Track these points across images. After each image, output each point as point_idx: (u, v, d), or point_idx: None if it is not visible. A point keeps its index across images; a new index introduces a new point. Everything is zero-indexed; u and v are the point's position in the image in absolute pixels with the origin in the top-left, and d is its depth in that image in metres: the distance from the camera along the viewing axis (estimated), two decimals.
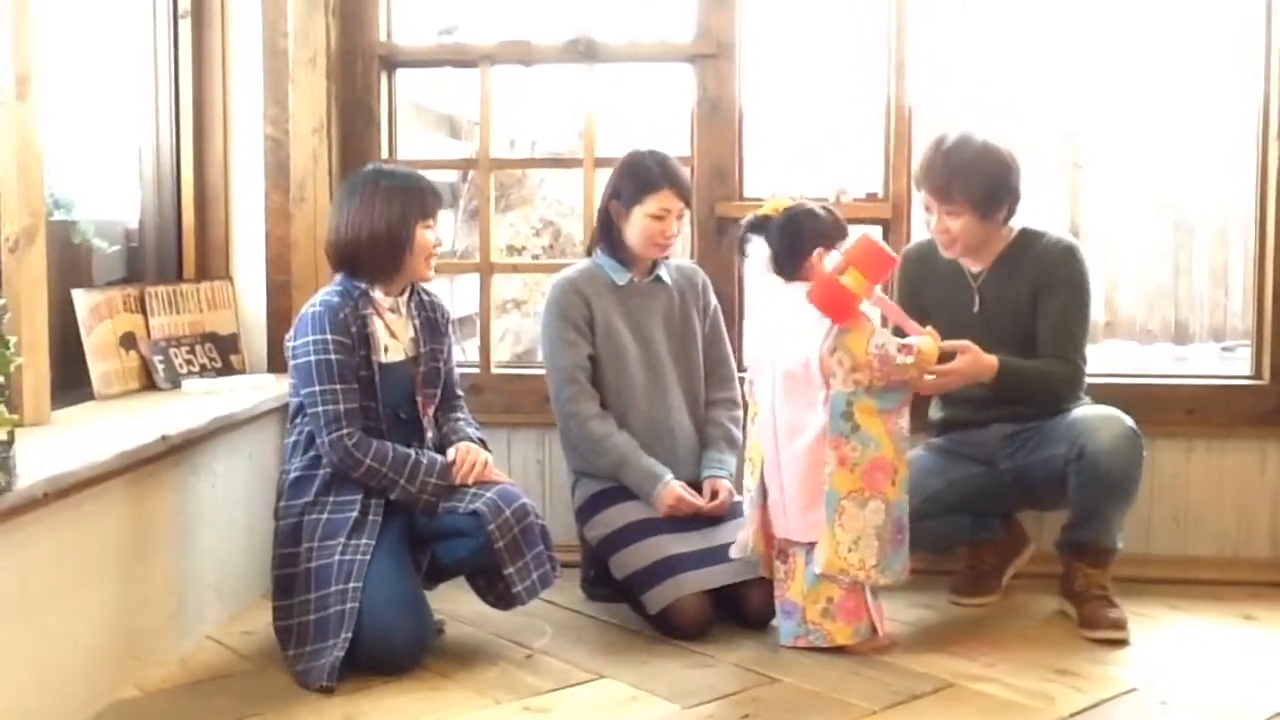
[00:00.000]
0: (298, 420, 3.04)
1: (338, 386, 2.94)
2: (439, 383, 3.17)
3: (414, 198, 3.03)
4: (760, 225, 3.12)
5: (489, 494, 3.00)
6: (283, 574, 2.98)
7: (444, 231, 6.02)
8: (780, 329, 3.10)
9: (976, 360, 3.13)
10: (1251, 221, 3.78)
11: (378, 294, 3.06)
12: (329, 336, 2.95)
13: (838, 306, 2.96)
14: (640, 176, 3.30)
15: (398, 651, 2.90)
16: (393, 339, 3.07)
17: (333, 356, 2.94)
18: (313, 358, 2.94)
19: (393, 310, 3.08)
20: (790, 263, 3.07)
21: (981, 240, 3.30)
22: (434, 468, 3.01)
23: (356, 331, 2.99)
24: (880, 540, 2.99)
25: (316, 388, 2.94)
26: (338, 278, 3.08)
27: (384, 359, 3.04)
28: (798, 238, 3.07)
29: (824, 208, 3.13)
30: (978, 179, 3.22)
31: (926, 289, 3.42)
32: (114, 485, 2.75)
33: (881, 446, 2.98)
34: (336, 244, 3.05)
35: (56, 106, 3.09)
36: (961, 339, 3.32)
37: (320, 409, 2.94)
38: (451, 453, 3.08)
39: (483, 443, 3.17)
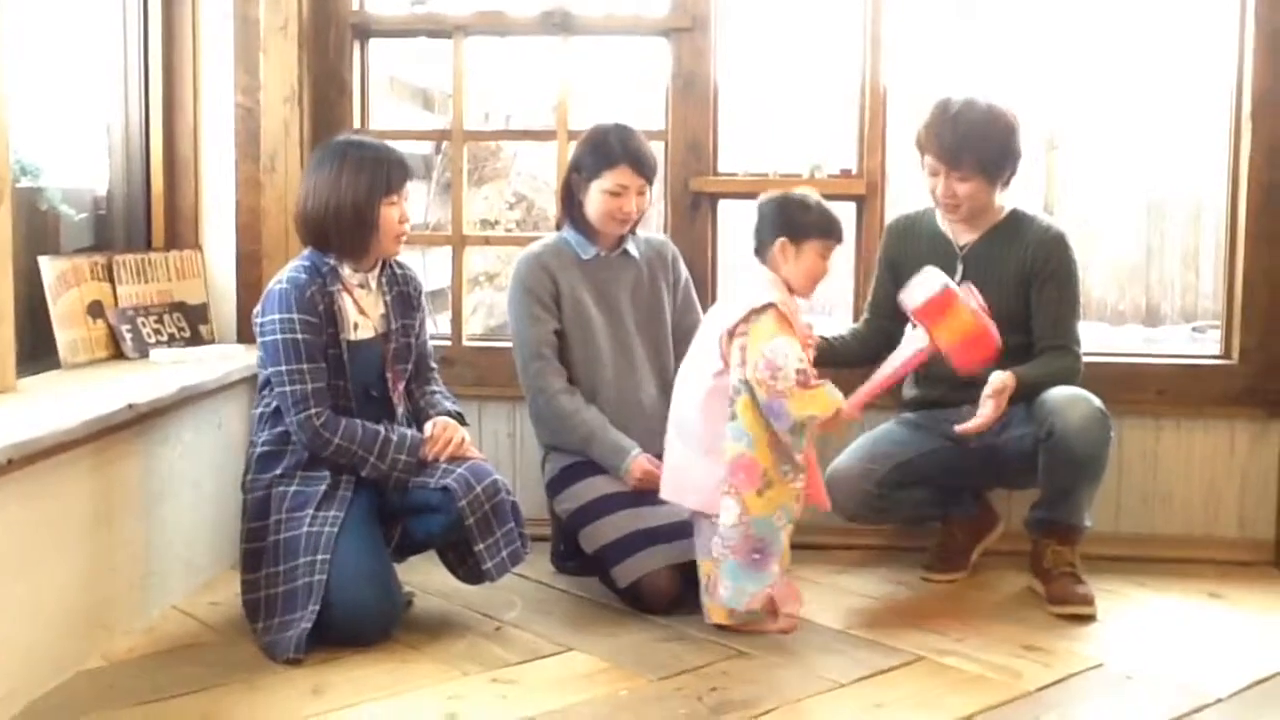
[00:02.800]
0: (265, 393, 3.02)
1: (304, 366, 2.91)
2: (410, 358, 3.15)
3: (380, 172, 2.99)
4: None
5: (460, 470, 2.98)
6: (251, 547, 2.97)
7: (416, 204, 5.99)
8: (718, 307, 3.12)
9: (1004, 400, 3.12)
10: (1223, 204, 3.79)
11: (346, 270, 3.02)
12: (295, 315, 2.91)
13: (973, 352, 2.96)
14: (600, 151, 3.28)
15: (366, 624, 2.89)
16: (362, 316, 3.04)
17: (299, 335, 2.91)
18: (280, 336, 2.91)
19: (362, 286, 3.06)
20: (763, 242, 3.05)
21: (985, 203, 3.30)
22: (404, 444, 2.99)
23: (324, 309, 2.96)
24: (728, 548, 2.91)
25: (284, 367, 2.91)
26: (306, 251, 3.05)
27: (353, 336, 3.02)
28: (765, 223, 3.05)
29: (817, 202, 3.07)
30: (987, 143, 3.23)
31: (907, 259, 3.41)
32: (80, 454, 2.73)
33: (755, 445, 2.89)
34: (304, 217, 3.02)
35: (24, 73, 3.05)
36: None
37: (288, 389, 2.91)
38: (429, 427, 3.06)
39: (459, 416, 3.16)
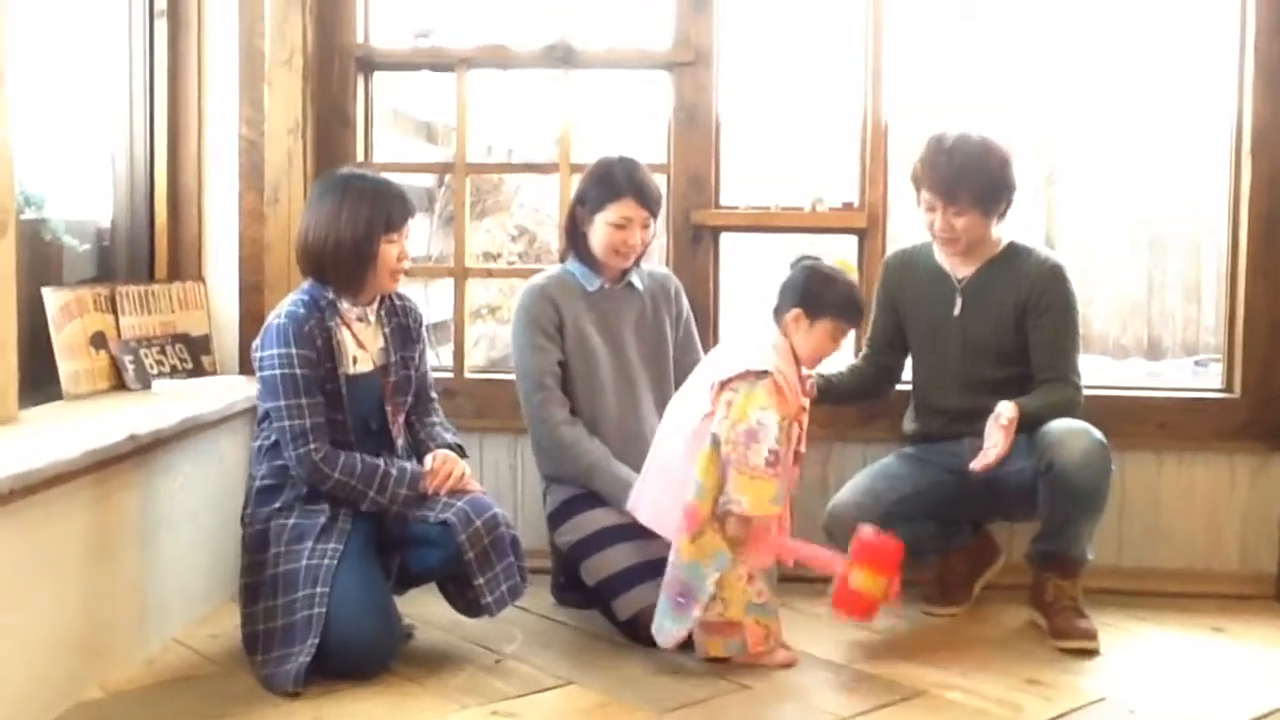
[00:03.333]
0: (264, 426, 3.02)
1: (303, 401, 2.90)
2: (409, 390, 3.15)
3: (381, 208, 2.98)
4: (797, 263, 3.13)
5: (460, 503, 2.98)
6: (250, 581, 2.96)
7: (418, 236, 6.01)
8: (725, 347, 3.14)
9: (1012, 431, 3.12)
10: (1224, 237, 3.80)
11: (345, 303, 3.02)
12: (294, 350, 2.91)
13: (856, 608, 2.98)
14: (605, 184, 3.29)
15: (364, 657, 2.88)
16: (360, 349, 3.04)
17: (298, 371, 2.90)
18: (278, 371, 2.91)
19: (361, 319, 3.06)
20: (782, 305, 3.07)
21: (982, 236, 3.31)
22: (404, 478, 2.99)
23: (323, 343, 2.96)
24: (666, 588, 2.95)
25: (282, 402, 2.90)
26: (306, 284, 3.05)
27: (351, 370, 3.01)
28: (788, 289, 3.07)
29: (845, 282, 3.08)
30: (982, 176, 3.24)
31: (905, 293, 3.44)
32: (81, 484, 2.72)
33: (701, 494, 2.91)
34: (304, 249, 3.03)
35: (29, 103, 3.07)
36: (939, 342, 3.34)
37: (286, 423, 2.90)
38: (429, 460, 3.06)
39: (460, 448, 3.16)
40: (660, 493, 3.02)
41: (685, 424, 3.02)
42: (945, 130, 3.30)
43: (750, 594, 2.96)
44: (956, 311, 3.36)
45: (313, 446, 2.90)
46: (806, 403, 3.07)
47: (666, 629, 2.94)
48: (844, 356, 3.47)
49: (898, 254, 3.53)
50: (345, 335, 3.01)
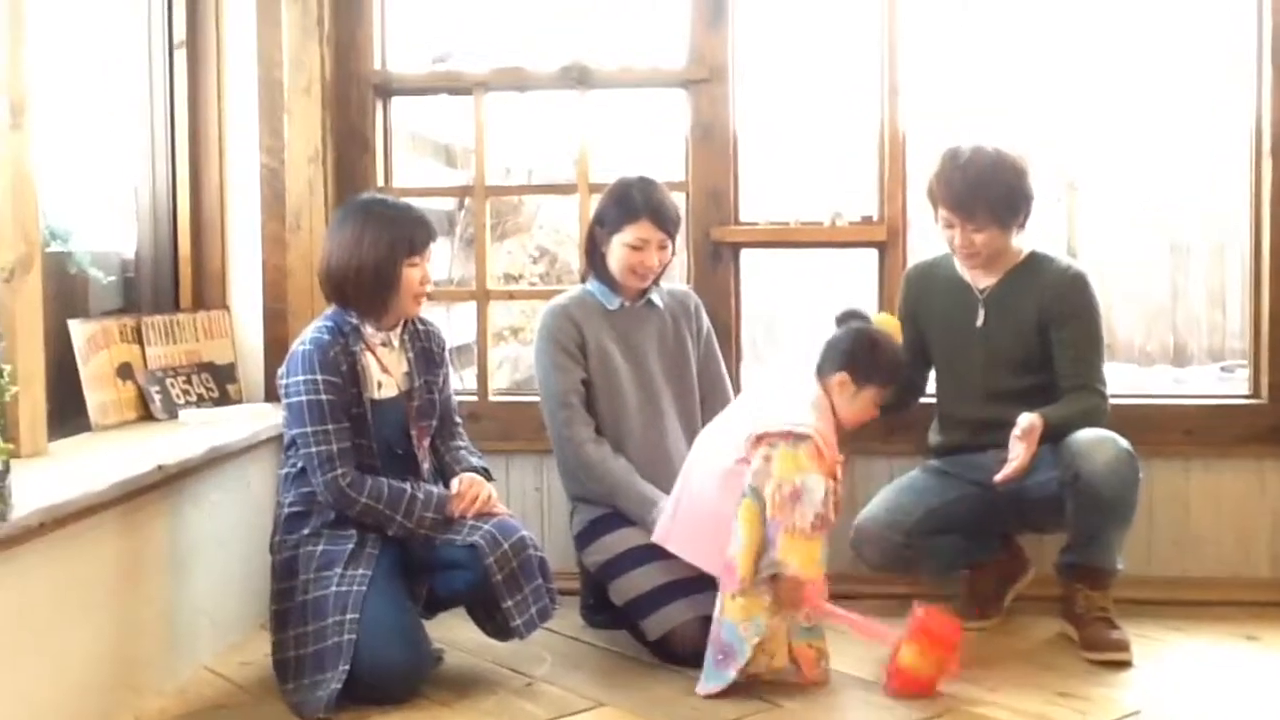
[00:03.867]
0: (290, 453, 3.02)
1: (329, 426, 2.91)
2: (434, 414, 3.16)
3: (402, 233, 2.99)
4: (847, 320, 3.14)
5: (487, 526, 2.98)
6: (280, 608, 2.96)
7: (439, 260, 6.03)
8: (764, 391, 3.14)
9: (1034, 442, 3.11)
10: (1247, 241, 3.78)
11: (368, 329, 3.03)
12: (319, 376, 2.91)
13: (912, 688, 2.91)
14: (622, 205, 3.30)
15: (394, 682, 2.89)
16: (385, 374, 3.05)
17: (323, 397, 2.91)
18: (304, 398, 2.91)
19: (385, 345, 3.07)
20: (826, 365, 3.08)
21: (1003, 248, 3.31)
22: (430, 502, 2.99)
23: (347, 369, 2.96)
24: (711, 642, 2.94)
25: (309, 428, 2.91)
26: (329, 310, 3.06)
27: (376, 395, 3.02)
28: (835, 351, 3.08)
29: (892, 349, 3.10)
30: (999, 190, 3.23)
31: (927, 306, 3.44)
32: (110, 515, 2.74)
33: (743, 550, 2.90)
34: (326, 275, 3.04)
35: (52, 137, 3.10)
36: (962, 353, 3.33)
37: (313, 450, 2.91)
38: (455, 484, 3.06)
39: (485, 472, 3.16)
40: (693, 529, 3.03)
41: (717, 463, 3.02)
42: (959, 145, 3.29)
43: (799, 618, 2.96)
44: (979, 322, 3.35)
45: (339, 472, 2.91)
46: (841, 458, 3.06)
47: (707, 685, 2.93)
48: None
49: (918, 267, 3.53)
50: (370, 360, 3.02)
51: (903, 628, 2.94)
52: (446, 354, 3.24)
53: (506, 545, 2.96)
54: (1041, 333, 3.30)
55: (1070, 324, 3.29)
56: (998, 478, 3.11)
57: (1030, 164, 3.32)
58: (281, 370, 3.00)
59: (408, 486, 2.98)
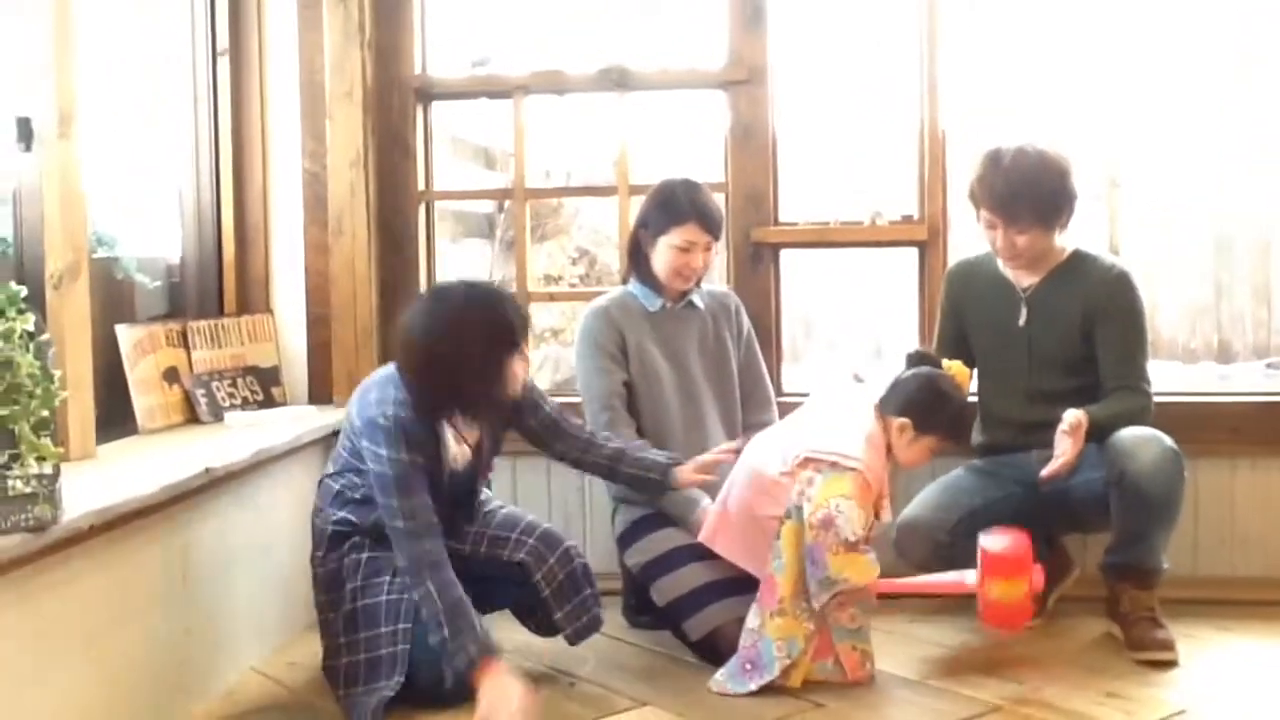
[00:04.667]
0: (349, 473, 2.96)
1: (416, 501, 2.80)
2: (495, 456, 3.12)
3: (503, 334, 2.84)
4: (917, 362, 3.13)
5: (532, 540, 3.02)
6: (327, 617, 2.96)
7: (479, 262, 6.05)
8: (824, 409, 3.13)
9: (1080, 438, 3.10)
10: None
11: None
12: (405, 456, 2.79)
13: (1006, 620, 2.97)
14: (668, 208, 3.31)
15: (450, 686, 2.87)
16: (460, 444, 2.99)
17: (412, 474, 2.80)
18: (391, 472, 2.79)
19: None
20: (890, 404, 3.06)
21: (1046, 249, 3.29)
22: (478, 639, 2.75)
23: (430, 448, 2.88)
24: (742, 648, 2.95)
25: (396, 502, 2.79)
26: (394, 377, 2.87)
27: (456, 467, 2.97)
28: (900, 395, 3.06)
29: (959, 402, 3.07)
30: (1041, 192, 3.20)
31: (970, 304, 3.42)
32: (158, 518, 2.77)
33: (784, 571, 2.92)
34: (417, 366, 2.83)
35: (98, 144, 3.13)
36: (1005, 352, 3.31)
37: (400, 524, 2.79)
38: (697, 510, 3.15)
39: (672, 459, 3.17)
40: (737, 531, 3.05)
41: (763, 471, 3.03)
42: (1001, 145, 3.26)
43: (843, 620, 2.96)
44: (1022, 322, 3.33)
45: (427, 548, 2.80)
46: (887, 495, 3.06)
47: (720, 681, 2.95)
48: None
49: (961, 264, 3.51)
50: (448, 433, 2.95)
51: (975, 569, 2.96)
52: (531, 393, 3.10)
53: (553, 559, 2.99)
54: (1086, 332, 3.28)
55: (1115, 323, 3.27)
56: (1043, 473, 3.10)
57: (1073, 163, 3.29)
58: (363, 432, 2.84)
59: (472, 614, 2.79)
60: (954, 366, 3.12)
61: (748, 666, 2.94)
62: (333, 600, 2.96)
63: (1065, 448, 3.08)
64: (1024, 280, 3.36)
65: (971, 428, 3.19)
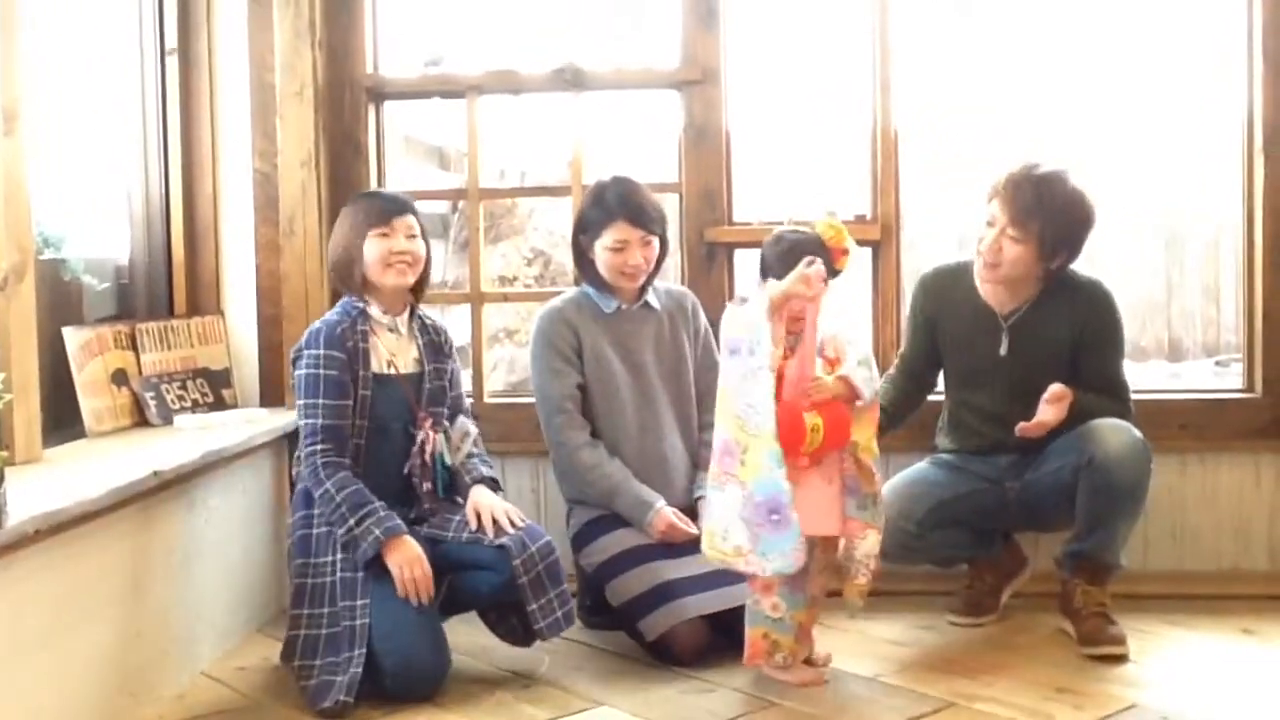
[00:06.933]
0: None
1: (321, 400, 3.01)
2: (444, 401, 3.20)
3: (364, 210, 3.12)
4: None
5: (515, 530, 3.02)
6: (295, 584, 3.05)
7: (434, 263, 6.02)
8: None
9: (1062, 409, 3.13)
10: (1240, 237, 3.79)
11: (375, 311, 3.12)
12: (322, 351, 3.03)
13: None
14: (598, 208, 3.30)
15: (421, 682, 2.91)
16: (391, 356, 3.12)
17: (322, 372, 3.02)
18: (305, 371, 3.04)
19: (392, 330, 3.14)
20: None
21: (1022, 276, 3.26)
22: (383, 524, 2.92)
23: (353, 346, 3.05)
24: (748, 524, 2.82)
25: (303, 400, 3.03)
26: (342, 298, 3.18)
27: (383, 371, 3.09)
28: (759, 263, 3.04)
29: (792, 238, 2.98)
30: (1058, 218, 3.18)
31: (944, 319, 3.40)
32: (106, 522, 2.74)
33: (726, 427, 2.87)
34: (328, 267, 3.22)
35: (45, 144, 3.09)
36: (983, 378, 3.31)
37: (304, 421, 3.03)
38: (470, 514, 3.07)
39: (494, 482, 3.18)
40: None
41: None
42: (1044, 159, 3.25)
43: (765, 607, 2.96)
44: (1004, 351, 3.32)
45: (319, 448, 2.99)
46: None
47: (786, 550, 2.78)
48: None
49: (938, 273, 3.46)
50: (377, 342, 3.10)
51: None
52: (454, 350, 3.28)
53: (534, 548, 2.99)
54: (1073, 353, 3.29)
55: (1099, 340, 3.30)
56: (1021, 425, 3.12)
57: (1095, 225, 3.25)
58: (295, 346, 3.11)
59: (374, 501, 2.96)
60: (819, 225, 3.01)
61: (774, 517, 2.77)
62: (297, 568, 3.03)
63: (1047, 414, 3.12)
64: (1005, 306, 3.33)
65: (813, 249, 2.92)
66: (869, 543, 2.94)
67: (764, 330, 2.82)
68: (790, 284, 2.83)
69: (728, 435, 2.87)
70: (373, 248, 3.07)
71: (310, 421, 3.01)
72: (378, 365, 3.10)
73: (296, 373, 3.06)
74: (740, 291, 2.99)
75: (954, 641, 3.31)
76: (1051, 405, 3.13)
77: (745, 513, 2.81)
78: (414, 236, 3.12)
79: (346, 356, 3.04)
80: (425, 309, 3.30)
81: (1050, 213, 3.17)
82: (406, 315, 3.17)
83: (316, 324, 3.11)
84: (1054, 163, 3.27)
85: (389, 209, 3.12)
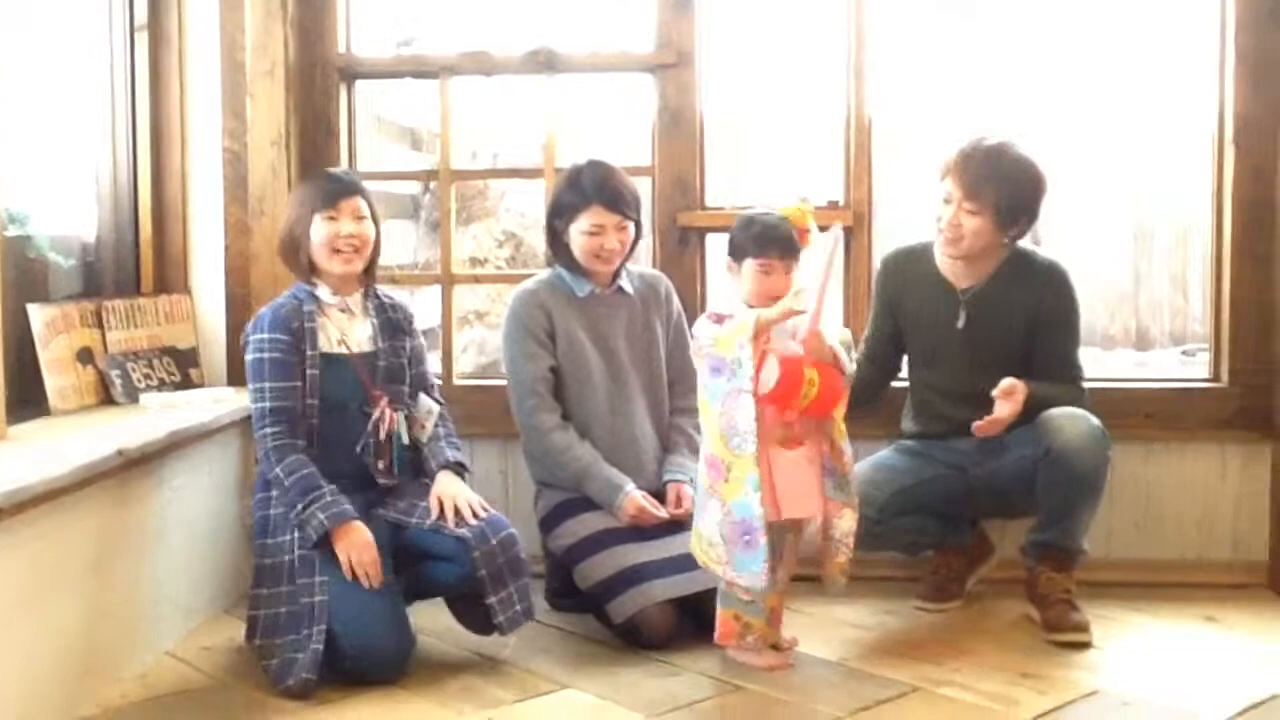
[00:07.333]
0: None
1: (266, 384, 3.01)
2: (403, 379, 3.17)
3: (311, 191, 3.10)
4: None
5: (477, 521, 3.00)
6: (257, 563, 3.05)
7: (404, 243, 5.99)
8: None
9: (1016, 401, 3.14)
10: (1209, 228, 3.81)
11: (324, 293, 3.10)
12: (267, 334, 3.03)
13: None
14: (573, 192, 3.29)
15: (380, 664, 2.90)
16: (343, 335, 3.11)
17: (266, 355, 3.02)
18: (251, 355, 3.04)
19: (342, 310, 3.12)
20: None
21: (985, 247, 3.29)
22: (329, 509, 2.92)
23: (299, 327, 3.04)
24: (725, 540, 2.88)
25: (251, 385, 3.04)
26: (293, 282, 3.16)
27: (332, 350, 3.08)
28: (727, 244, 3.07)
29: (763, 221, 3.00)
30: (1010, 186, 3.21)
31: (905, 297, 3.43)
32: (71, 500, 2.72)
33: (711, 442, 2.92)
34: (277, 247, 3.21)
35: (10, 120, 3.06)
36: (942, 354, 3.33)
37: (253, 405, 3.04)
38: (433, 500, 3.05)
39: (461, 466, 3.16)
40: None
41: None
42: (990, 131, 3.28)
43: (738, 590, 2.97)
44: (961, 324, 3.35)
45: (270, 430, 2.99)
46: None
47: (754, 570, 2.85)
48: None
49: (898, 254, 3.50)
50: (324, 321, 3.09)
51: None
52: (414, 326, 3.26)
53: (495, 541, 2.96)
54: (1029, 333, 3.31)
55: (1054, 321, 3.32)
56: (976, 425, 3.14)
57: (1049, 189, 3.28)
58: (248, 333, 3.10)
59: (323, 485, 2.95)
60: (785, 209, 3.02)
61: (746, 539, 2.85)
62: (258, 548, 3.04)
63: (1002, 410, 3.13)
64: (963, 282, 3.36)
65: (782, 241, 2.96)
66: (846, 521, 2.98)
67: (747, 354, 2.85)
68: (777, 314, 2.86)
69: (712, 450, 2.91)
70: (319, 231, 3.05)
71: (259, 405, 3.01)
72: (326, 344, 3.07)
73: (247, 356, 3.06)
74: (714, 306, 2.99)
75: (919, 626, 3.32)
76: (1005, 401, 3.14)
77: (724, 528, 2.88)
78: (362, 218, 3.09)
79: (292, 338, 3.02)
80: (388, 288, 3.29)
81: (1001, 180, 3.21)
82: (360, 295, 3.16)
83: (263, 309, 3.10)
84: (1000, 134, 3.29)
85: (335, 190, 3.08)
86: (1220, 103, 3.69)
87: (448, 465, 3.13)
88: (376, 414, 3.08)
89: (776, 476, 2.90)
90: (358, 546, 2.92)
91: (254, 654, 3.00)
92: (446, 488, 3.07)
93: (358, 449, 3.07)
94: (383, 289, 3.25)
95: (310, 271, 3.10)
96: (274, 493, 3.01)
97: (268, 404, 3.00)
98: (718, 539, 2.90)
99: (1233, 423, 3.68)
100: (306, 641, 2.86)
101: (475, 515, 3.01)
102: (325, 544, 2.93)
